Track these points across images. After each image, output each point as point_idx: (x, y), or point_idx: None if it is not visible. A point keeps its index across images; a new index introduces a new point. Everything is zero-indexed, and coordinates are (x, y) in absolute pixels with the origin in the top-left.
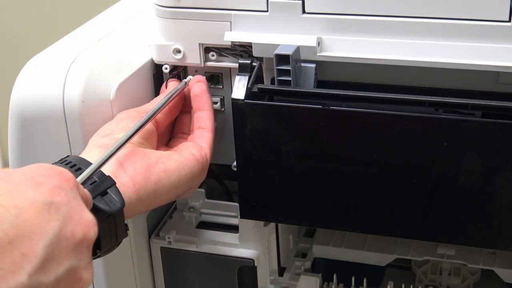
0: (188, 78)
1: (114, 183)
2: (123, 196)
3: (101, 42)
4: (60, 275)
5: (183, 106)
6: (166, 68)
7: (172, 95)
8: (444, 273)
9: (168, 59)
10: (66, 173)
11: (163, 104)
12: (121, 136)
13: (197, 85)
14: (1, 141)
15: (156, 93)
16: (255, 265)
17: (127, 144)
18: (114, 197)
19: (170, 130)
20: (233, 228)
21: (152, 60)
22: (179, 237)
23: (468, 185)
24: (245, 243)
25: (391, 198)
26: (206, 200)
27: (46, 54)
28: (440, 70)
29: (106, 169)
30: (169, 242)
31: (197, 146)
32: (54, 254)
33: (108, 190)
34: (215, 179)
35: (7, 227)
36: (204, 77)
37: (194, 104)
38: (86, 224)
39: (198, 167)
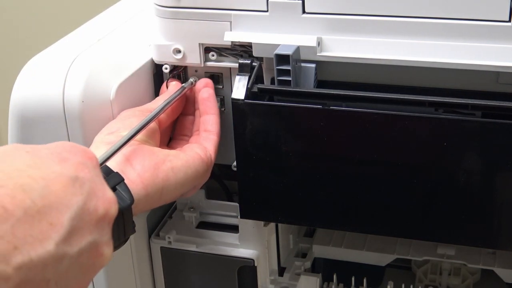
0: (193, 78)
1: (123, 179)
2: (132, 192)
3: (101, 42)
4: (83, 248)
5: (184, 108)
6: (166, 68)
7: (177, 95)
8: (444, 273)
9: (168, 59)
10: (89, 151)
11: (169, 103)
12: (127, 133)
13: (205, 90)
14: (1, 141)
15: (156, 93)
16: (255, 265)
17: (132, 141)
18: (123, 193)
19: (170, 131)
20: (233, 228)
21: (152, 60)
22: (179, 237)
23: (468, 185)
24: (245, 243)
25: (391, 198)
26: (206, 200)
27: (46, 54)
28: (440, 70)
29: (114, 166)
30: (169, 242)
31: (202, 147)
32: (78, 226)
33: (117, 187)
34: (215, 179)
35: (35, 197)
36: (211, 81)
37: (202, 107)
38: (108, 200)
39: (203, 167)
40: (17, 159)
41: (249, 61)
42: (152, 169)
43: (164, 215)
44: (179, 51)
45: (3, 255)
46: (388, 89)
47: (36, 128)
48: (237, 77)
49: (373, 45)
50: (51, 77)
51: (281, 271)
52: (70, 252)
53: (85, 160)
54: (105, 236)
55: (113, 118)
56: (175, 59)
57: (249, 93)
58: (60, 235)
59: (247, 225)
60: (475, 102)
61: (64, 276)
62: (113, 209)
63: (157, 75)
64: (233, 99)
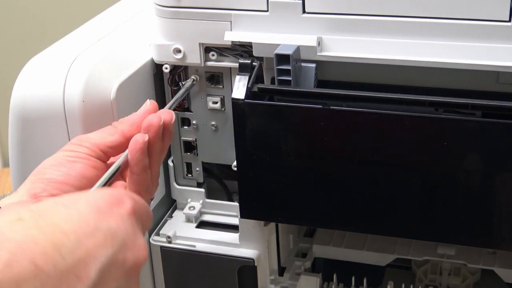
0: (194, 77)
1: None
2: None
3: (102, 41)
4: None
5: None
6: (166, 68)
7: (180, 96)
8: (444, 273)
9: (168, 59)
10: (126, 201)
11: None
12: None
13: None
14: (1, 141)
15: (156, 92)
16: (255, 265)
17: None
18: None
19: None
20: (233, 228)
21: (152, 60)
22: (179, 237)
23: (468, 184)
24: (245, 243)
25: (391, 198)
26: (206, 200)
27: (46, 54)
28: (440, 70)
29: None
30: (169, 242)
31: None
32: (105, 277)
33: None
34: (215, 179)
35: (66, 253)
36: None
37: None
38: (138, 248)
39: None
40: (55, 214)
41: (249, 61)
42: None
43: (164, 214)
44: (179, 51)
45: None
46: (388, 89)
47: (36, 128)
48: (237, 77)
49: (373, 45)
50: (51, 77)
51: (281, 271)
52: None
53: (121, 211)
54: (133, 285)
55: (114, 118)
56: (175, 59)
57: (249, 93)
58: (85, 287)
59: (247, 225)
60: (475, 102)
61: None
62: (142, 257)
63: (158, 75)
64: (233, 99)
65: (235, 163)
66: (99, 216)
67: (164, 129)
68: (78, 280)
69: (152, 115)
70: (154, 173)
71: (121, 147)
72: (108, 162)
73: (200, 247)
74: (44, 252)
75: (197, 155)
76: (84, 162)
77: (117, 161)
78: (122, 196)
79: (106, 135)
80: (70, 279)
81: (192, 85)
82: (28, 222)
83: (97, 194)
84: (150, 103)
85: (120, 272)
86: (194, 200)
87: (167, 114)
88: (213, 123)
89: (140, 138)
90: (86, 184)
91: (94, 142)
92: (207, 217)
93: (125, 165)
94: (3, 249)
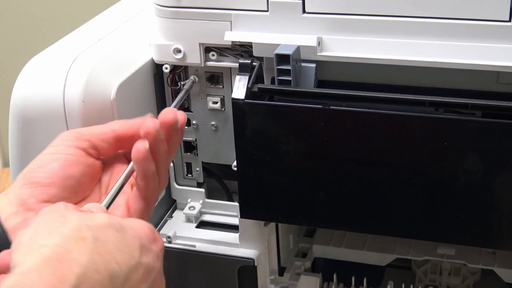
0: (193, 77)
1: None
2: None
3: (102, 41)
4: None
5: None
6: (166, 68)
7: (181, 97)
8: (444, 273)
9: (168, 59)
10: (160, 239)
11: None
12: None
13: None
14: (1, 141)
15: (157, 92)
16: (255, 264)
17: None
18: None
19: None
20: (233, 228)
21: (152, 60)
22: (179, 237)
23: (468, 184)
24: (245, 243)
25: (391, 198)
26: (206, 200)
27: (47, 54)
28: (440, 70)
29: None
30: (169, 242)
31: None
32: None
33: None
34: (215, 179)
35: (118, 285)
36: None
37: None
38: (160, 286)
39: None
40: (110, 239)
41: (249, 61)
42: None
43: (164, 214)
44: (179, 51)
45: None
46: (388, 89)
47: (36, 128)
48: (237, 77)
49: (373, 45)
50: (51, 76)
51: (281, 271)
52: None
53: (158, 249)
54: None
55: (114, 118)
56: (176, 59)
57: (249, 93)
58: None
59: (247, 225)
60: (475, 102)
61: None
62: None
63: (158, 75)
64: (233, 99)
65: (235, 163)
66: (142, 251)
67: (168, 130)
68: None
69: (148, 120)
70: (162, 177)
71: (111, 143)
72: (101, 158)
73: (200, 247)
74: (102, 283)
75: (197, 155)
76: (69, 158)
77: (122, 175)
78: (156, 233)
79: (94, 128)
80: None
81: (191, 86)
82: (90, 245)
83: (139, 225)
84: (148, 115)
85: None
86: (194, 200)
87: (171, 113)
88: (213, 123)
89: (141, 146)
90: (73, 184)
91: (80, 133)
92: (207, 217)
93: (130, 176)
94: (73, 271)
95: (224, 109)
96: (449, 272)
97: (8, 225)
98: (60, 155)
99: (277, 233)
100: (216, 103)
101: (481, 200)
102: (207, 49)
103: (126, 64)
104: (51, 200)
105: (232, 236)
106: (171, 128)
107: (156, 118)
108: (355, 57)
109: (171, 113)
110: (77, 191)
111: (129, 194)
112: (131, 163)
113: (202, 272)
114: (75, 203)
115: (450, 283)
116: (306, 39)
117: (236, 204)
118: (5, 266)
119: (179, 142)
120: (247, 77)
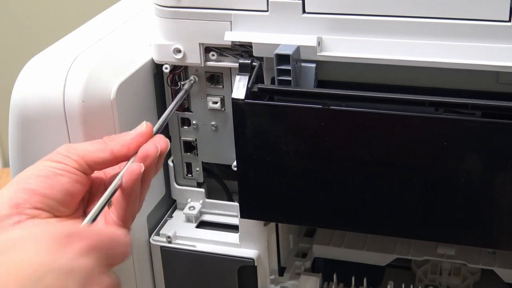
0: (193, 77)
1: None
2: None
3: (102, 41)
4: None
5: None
6: (166, 68)
7: (180, 98)
8: (444, 273)
9: (168, 59)
10: (79, 238)
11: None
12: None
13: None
14: (1, 141)
15: (157, 92)
16: (255, 264)
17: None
18: None
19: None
20: (233, 228)
21: (152, 60)
22: (179, 237)
23: (468, 184)
24: (245, 242)
25: (391, 198)
26: (206, 200)
27: (46, 54)
28: (440, 70)
29: None
30: (169, 242)
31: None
32: None
33: None
34: (215, 179)
35: None
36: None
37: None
38: (102, 285)
39: None
40: (18, 254)
41: (249, 61)
42: None
43: (164, 214)
44: (179, 51)
45: None
46: (388, 89)
47: (36, 128)
48: (237, 77)
49: (373, 45)
50: (51, 77)
51: (281, 271)
52: None
53: (74, 249)
54: None
55: (114, 118)
56: (175, 59)
57: (249, 93)
58: None
59: (247, 225)
60: (475, 102)
61: None
62: None
63: (158, 75)
64: (233, 99)
65: (235, 163)
66: (51, 256)
67: (158, 157)
68: None
69: (149, 145)
70: (142, 199)
71: (108, 164)
72: (92, 175)
73: (200, 247)
74: None
75: (197, 155)
76: (71, 176)
77: (107, 191)
78: (74, 233)
79: (95, 150)
80: None
81: (191, 86)
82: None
83: (48, 230)
84: (146, 126)
85: None
86: (194, 200)
87: (163, 143)
88: (213, 123)
89: (137, 169)
90: (69, 200)
91: (82, 155)
92: (207, 217)
93: (114, 194)
94: None
95: (224, 109)
96: (449, 272)
97: None
98: (61, 171)
99: (277, 233)
100: (216, 103)
101: (481, 200)
102: (207, 49)
103: (126, 64)
104: (46, 210)
105: (232, 236)
106: (161, 156)
107: (152, 123)
108: (355, 57)
109: (165, 143)
110: (71, 207)
111: (107, 212)
112: (116, 180)
113: (202, 272)
114: (67, 216)
115: (450, 283)
116: (306, 39)
117: (236, 204)
118: None
119: (160, 168)
120: (247, 77)
